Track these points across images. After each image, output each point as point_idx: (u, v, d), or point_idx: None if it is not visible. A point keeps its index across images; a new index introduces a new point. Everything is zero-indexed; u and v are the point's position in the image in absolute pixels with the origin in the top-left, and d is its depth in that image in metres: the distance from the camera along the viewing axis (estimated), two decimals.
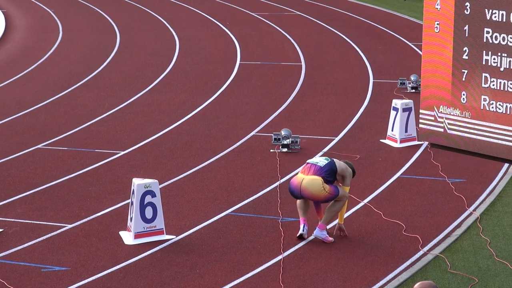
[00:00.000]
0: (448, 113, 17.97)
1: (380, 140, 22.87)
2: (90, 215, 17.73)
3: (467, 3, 16.46)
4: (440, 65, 17.30)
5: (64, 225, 17.27)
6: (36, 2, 42.85)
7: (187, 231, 17.05)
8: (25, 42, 34.55)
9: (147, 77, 30.04)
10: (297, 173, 16.87)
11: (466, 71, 17.32)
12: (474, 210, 17.66)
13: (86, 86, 29.04)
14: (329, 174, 16.12)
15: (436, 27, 15.75)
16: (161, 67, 31.64)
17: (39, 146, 22.54)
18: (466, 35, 17.41)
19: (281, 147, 22.10)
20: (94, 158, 21.81)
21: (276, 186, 19.42)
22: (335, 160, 16.55)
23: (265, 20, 42.00)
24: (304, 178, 16.17)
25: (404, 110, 22.25)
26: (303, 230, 16.44)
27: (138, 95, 28.03)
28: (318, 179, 15.99)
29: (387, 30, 39.72)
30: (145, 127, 24.49)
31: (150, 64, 31.71)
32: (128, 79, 30.11)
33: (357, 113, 25.80)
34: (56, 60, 32.13)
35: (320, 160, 16.58)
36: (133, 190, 16.78)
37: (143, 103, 27.20)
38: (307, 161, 16.75)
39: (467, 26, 16.65)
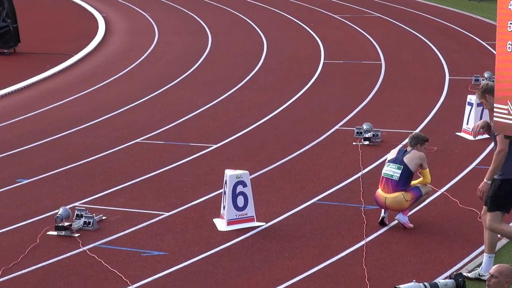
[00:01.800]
0: None
1: (456, 133, 22.80)
2: (186, 203, 18.01)
3: None
4: None
5: (162, 213, 17.57)
6: (133, 7, 43.29)
7: (276, 218, 17.17)
8: (124, 44, 34.99)
9: (237, 75, 30.19)
10: (378, 188, 16.58)
11: None
12: None
13: (181, 85, 29.35)
14: (406, 182, 16.08)
15: (509, 26, 15.70)
16: (250, 67, 31.76)
17: (137, 140, 22.82)
18: None
19: (363, 140, 22.08)
20: (188, 151, 22.01)
21: (359, 177, 19.44)
22: (404, 159, 16.15)
23: (347, 22, 41.86)
24: (387, 197, 16.11)
25: (478, 105, 21.79)
26: (384, 213, 16.39)
27: (229, 92, 28.14)
28: (399, 196, 16.00)
29: (461, 30, 39.66)
30: (236, 122, 24.76)
31: (239, 63, 31.89)
32: (219, 77, 30.27)
33: (434, 108, 25.81)
34: (153, 60, 32.46)
35: (394, 172, 16.21)
36: (226, 180, 16.97)
37: (234, 100, 27.34)
38: (382, 173, 16.50)
39: None
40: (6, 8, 30.99)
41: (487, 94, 14.74)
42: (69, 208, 16.71)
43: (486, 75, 27.03)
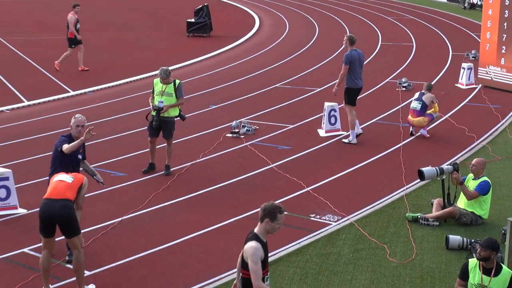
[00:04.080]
0: (494, 70, 21.41)
1: (455, 84, 23.54)
2: (303, 120, 18.96)
3: None
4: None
5: (288, 125, 18.63)
6: (274, 11, 43.31)
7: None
8: (269, 32, 35.41)
9: (332, 51, 30.31)
10: (408, 115, 17.72)
11: (504, 47, 20.57)
12: None
13: (301, 55, 29.82)
14: (424, 110, 17.25)
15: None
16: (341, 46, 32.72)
17: (277, 85, 23.79)
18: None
19: (402, 87, 22.68)
20: (304, 92, 22.40)
21: (399, 108, 20.29)
22: (423, 98, 17.26)
23: (393, 20, 41.78)
24: (413, 120, 17.36)
25: (468, 68, 23.13)
26: (412, 129, 17.50)
27: (327, 59, 28.73)
28: (420, 119, 17.31)
29: (458, 26, 38.97)
30: (330, 75, 24.72)
31: (336, 45, 31.44)
32: (321, 53, 30.07)
33: (442, 70, 26.39)
34: (285, 41, 33.05)
35: (417, 105, 17.26)
36: (324, 108, 17.83)
37: (331, 63, 27.79)
38: (410, 106, 17.60)
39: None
40: (205, 11, 32.59)
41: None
42: (238, 121, 18.23)
43: (469, 54, 27.79)
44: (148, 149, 15.20)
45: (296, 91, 22.96)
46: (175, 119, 15.08)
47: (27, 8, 43.49)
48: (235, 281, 7.88)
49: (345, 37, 17.43)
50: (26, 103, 21.54)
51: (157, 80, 14.83)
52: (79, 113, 11.94)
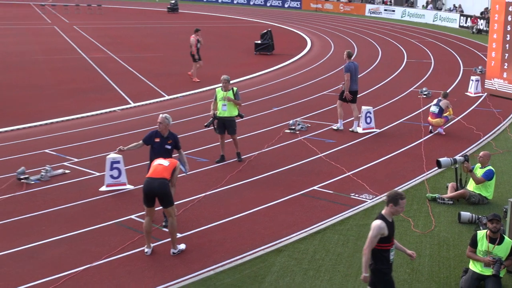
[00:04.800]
0: (498, 81, 20.91)
1: (465, 93, 22.74)
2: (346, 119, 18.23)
3: None
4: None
5: (331, 124, 18.09)
6: (321, 34, 42.74)
7: (388, 125, 17.82)
8: (318, 51, 34.90)
9: (365, 66, 29.33)
10: (428, 117, 17.30)
11: (506, 64, 20.05)
12: None
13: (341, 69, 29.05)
14: (441, 113, 16.83)
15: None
16: (373, 62, 32.42)
17: (324, 92, 23.11)
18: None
19: (423, 95, 22.10)
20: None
21: (420, 111, 19.77)
22: (440, 103, 16.83)
23: (416, 42, 40.49)
24: (432, 121, 16.95)
25: (476, 80, 22.45)
26: (431, 128, 16.98)
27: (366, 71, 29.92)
28: (438, 120, 16.91)
29: (467, 46, 37.93)
30: (381, 81, 23.49)
31: (368, 60, 31.75)
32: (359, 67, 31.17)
33: (455, 82, 25.73)
34: (330, 58, 32.48)
35: (435, 109, 16.87)
36: None
37: (369, 75, 27.41)
38: (430, 110, 17.17)
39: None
40: (269, 35, 32.39)
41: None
42: (294, 120, 17.90)
43: (476, 69, 27.12)
44: (219, 143, 15.16)
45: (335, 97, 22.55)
46: (236, 118, 14.87)
47: (131, 33, 44.05)
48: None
49: (345, 52, 17.46)
50: (132, 104, 21.71)
51: (219, 89, 14.51)
52: (171, 113, 11.98)
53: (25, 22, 50.81)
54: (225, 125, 14.42)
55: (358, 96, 17.78)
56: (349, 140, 16.84)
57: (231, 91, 14.33)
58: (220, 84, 14.41)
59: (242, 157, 15.05)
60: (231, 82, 22.21)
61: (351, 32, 46.22)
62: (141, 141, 11.20)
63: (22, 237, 10.56)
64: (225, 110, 14.25)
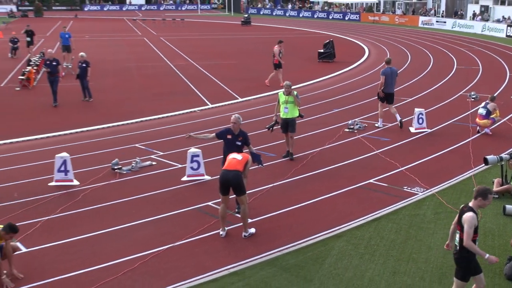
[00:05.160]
0: None
1: (511, 97, 21.93)
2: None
3: None
4: None
5: (376, 122, 17.75)
6: (378, 44, 42.22)
7: (439, 125, 17.46)
8: (375, 59, 34.25)
9: (418, 72, 29.59)
10: (476, 118, 16.96)
11: None
12: None
13: (398, 75, 28.77)
14: (488, 115, 16.49)
15: None
16: (425, 68, 31.80)
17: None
18: None
19: (471, 98, 21.60)
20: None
21: (468, 113, 19.30)
22: (487, 106, 16.44)
23: (464, 50, 40.22)
24: (480, 122, 16.64)
25: None
26: (478, 128, 16.51)
27: (414, 79, 27.67)
28: (485, 121, 16.61)
29: None
30: (434, 84, 24.16)
31: (421, 68, 31.16)
32: (412, 73, 29.24)
33: (502, 85, 25.20)
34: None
35: (483, 111, 16.55)
36: None
37: (422, 83, 26.47)
38: (478, 112, 16.87)
39: None
40: (331, 44, 32.04)
41: None
42: (353, 120, 17.64)
43: None
44: (284, 141, 15.12)
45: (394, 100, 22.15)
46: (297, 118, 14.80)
47: (210, 43, 44.26)
48: (447, 242, 7.79)
49: (385, 59, 17.85)
50: (210, 105, 21.78)
51: (281, 94, 14.43)
52: (242, 114, 11.97)
53: (120, 34, 52.07)
54: (287, 124, 14.32)
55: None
56: (402, 138, 16.57)
57: (292, 95, 14.26)
58: (283, 89, 14.35)
59: (305, 153, 14.98)
60: (297, 86, 22.19)
61: (405, 42, 45.47)
62: (213, 134, 11.27)
63: (115, 219, 10.80)
64: (286, 112, 14.22)
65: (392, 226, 10.49)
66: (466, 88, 24.67)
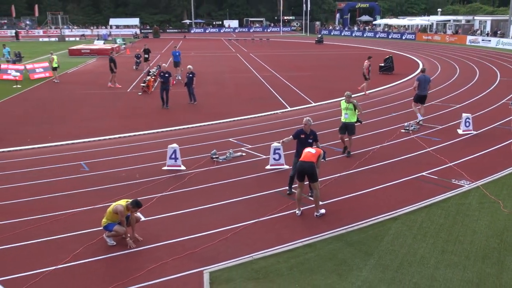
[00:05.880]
0: None
1: None
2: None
3: None
4: None
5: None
6: (430, 59, 39.98)
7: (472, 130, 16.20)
8: (428, 71, 29.14)
9: (465, 83, 28.36)
10: None
11: None
12: None
13: (449, 85, 26.71)
14: None
15: None
16: (465, 80, 30.15)
17: (432, 103, 20.92)
18: None
19: None
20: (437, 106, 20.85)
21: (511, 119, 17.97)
22: None
23: (499, 61, 38.58)
24: None
25: None
26: None
27: (462, 89, 26.75)
28: None
29: None
30: (459, 88, 22.79)
31: (468, 80, 30.18)
32: (460, 84, 27.63)
33: None
34: (438, 77, 28.64)
35: None
36: None
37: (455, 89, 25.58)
38: None
39: None
40: (390, 59, 29.80)
41: None
42: (408, 123, 16.69)
43: None
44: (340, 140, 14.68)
45: (445, 106, 21.22)
46: (355, 123, 14.32)
47: (289, 58, 43.91)
48: None
49: (420, 68, 17.70)
50: (289, 108, 21.55)
51: (343, 101, 14.06)
52: (315, 116, 11.75)
53: (218, 51, 52.55)
54: (347, 128, 13.91)
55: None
56: (451, 138, 15.75)
57: (351, 103, 13.73)
58: (344, 98, 14.08)
59: (366, 149, 14.52)
60: (355, 95, 21.47)
61: (455, 57, 43.45)
62: (291, 136, 11.19)
63: (213, 198, 10.84)
64: (347, 117, 13.80)
65: (441, 212, 10.05)
66: (508, 97, 23.26)
